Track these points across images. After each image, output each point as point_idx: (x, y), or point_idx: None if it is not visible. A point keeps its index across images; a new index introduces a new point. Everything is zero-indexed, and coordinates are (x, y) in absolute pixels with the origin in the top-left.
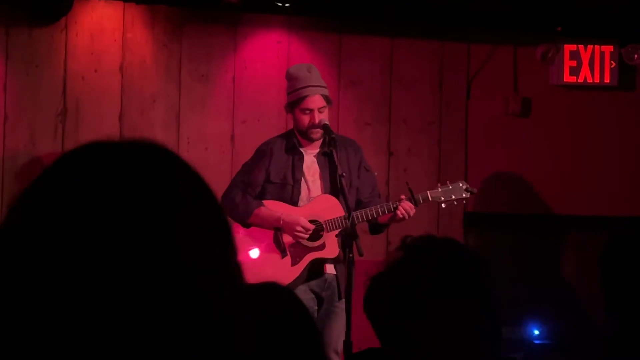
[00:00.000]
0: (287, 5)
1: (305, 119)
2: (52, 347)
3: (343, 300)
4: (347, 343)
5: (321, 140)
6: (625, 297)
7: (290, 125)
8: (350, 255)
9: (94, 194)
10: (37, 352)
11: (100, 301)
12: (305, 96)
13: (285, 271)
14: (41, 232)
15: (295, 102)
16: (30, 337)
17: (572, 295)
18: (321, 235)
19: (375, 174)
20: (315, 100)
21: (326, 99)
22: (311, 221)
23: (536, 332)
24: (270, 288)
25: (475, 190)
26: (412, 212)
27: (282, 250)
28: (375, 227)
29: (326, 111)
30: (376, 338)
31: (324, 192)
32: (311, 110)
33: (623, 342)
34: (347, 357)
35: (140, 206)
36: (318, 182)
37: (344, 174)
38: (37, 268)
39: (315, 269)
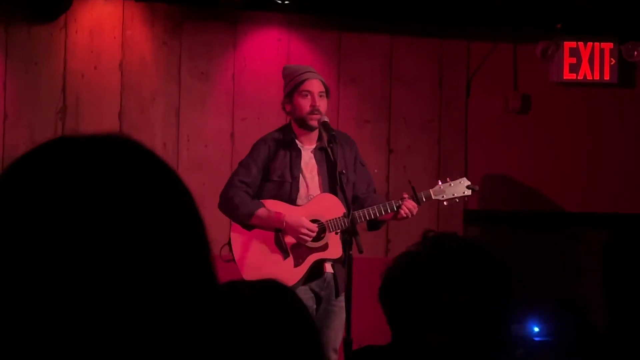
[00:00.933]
0: (286, 2)
1: (306, 103)
2: (25, 348)
3: (341, 298)
4: (347, 340)
5: (318, 134)
6: (626, 294)
7: None
8: (350, 252)
9: (56, 188)
10: (16, 354)
11: (63, 300)
12: (305, 79)
13: (288, 273)
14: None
15: (294, 88)
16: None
17: (572, 292)
18: (323, 236)
19: (375, 171)
20: (315, 84)
21: (325, 87)
22: (312, 221)
23: (536, 329)
24: (269, 285)
25: (477, 188)
26: (415, 211)
27: (284, 252)
28: (374, 224)
29: (325, 101)
30: (376, 335)
31: (323, 188)
32: (311, 93)
33: (623, 339)
34: (347, 355)
35: (105, 200)
36: (316, 178)
37: (344, 171)
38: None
39: (316, 270)
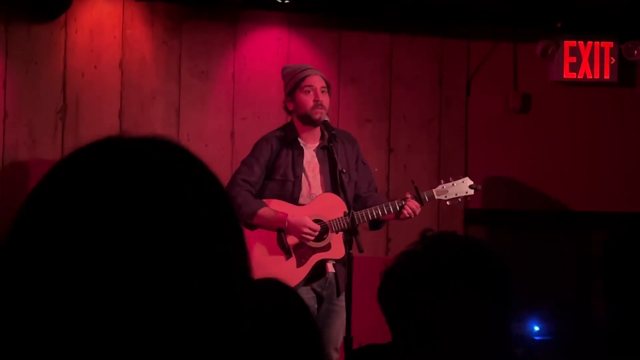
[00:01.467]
0: (286, 2)
1: (309, 99)
2: (61, 343)
3: (342, 297)
4: (348, 339)
5: (320, 132)
6: (626, 293)
7: None
8: (350, 251)
9: (106, 191)
10: (47, 349)
11: (115, 298)
12: (306, 76)
13: (291, 273)
14: (57, 231)
15: (296, 85)
16: (45, 334)
17: (572, 292)
18: (326, 236)
19: (376, 170)
20: (316, 80)
21: (326, 83)
22: (315, 221)
23: (536, 328)
24: (271, 284)
25: (479, 187)
26: (417, 211)
27: (286, 252)
28: (375, 223)
29: (327, 96)
30: (376, 334)
31: (324, 187)
32: (314, 88)
33: (623, 338)
34: (347, 353)
35: (155, 203)
36: (318, 177)
37: (344, 170)
38: (57, 265)
39: (318, 270)
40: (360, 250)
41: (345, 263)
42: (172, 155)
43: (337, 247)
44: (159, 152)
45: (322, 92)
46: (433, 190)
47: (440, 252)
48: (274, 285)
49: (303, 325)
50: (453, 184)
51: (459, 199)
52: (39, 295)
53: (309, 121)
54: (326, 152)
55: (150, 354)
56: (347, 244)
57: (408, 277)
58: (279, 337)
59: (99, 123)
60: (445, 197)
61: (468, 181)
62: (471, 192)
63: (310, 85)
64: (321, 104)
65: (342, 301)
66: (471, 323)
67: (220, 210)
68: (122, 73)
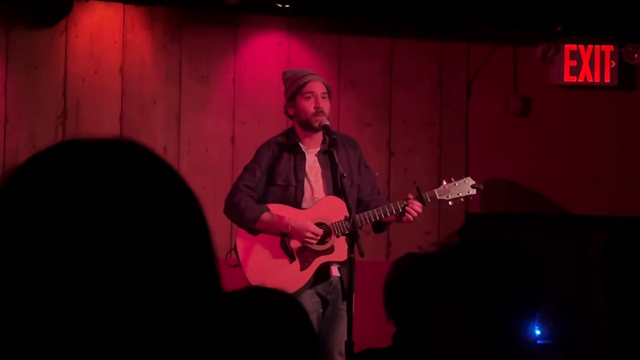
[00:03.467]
0: (287, 6)
1: (310, 105)
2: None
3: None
4: (349, 343)
5: (322, 137)
6: (626, 295)
7: None
8: (352, 255)
9: (68, 193)
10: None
11: (72, 301)
12: (307, 82)
13: (294, 276)
14: (9, 236)
15: (296, 91)
16: (16, 340)
17: (573, 295)
18: (329, 239)
19: (376, 174)
20: (317, 86)
21: (327, 88)
22: (318, 224)
23: (537, 331)
24: (270, 292)
25: (481, 187)
26: (420, 211)
27: (290, 256)
28: (379, 226)
29: (328, 102)
30: (377, 338)
31: (327, 191)
32: (314, 94)
33: (623, 340)
34: (349, 357)
35: (110, 203)
36: (320, 181)
37: (345, 174)
38: (9, 267)
39: (322, 273)
40: (362, 255)
41: (347, 267)
42: (134, 156)
43: (340, 250)
44: (119, 153)
45: (323, 98)
46: (435, 190)
47: (446, 255)
48: (274, 293)
49: (302, 333)
50: (455, 184)
51: (461, 199)
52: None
53: (310, 127)
54: (327, 157)
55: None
56: (349, 248)
57: (414, 280)
58: (278, 345)
59: (100, 127)
60: (448, 197)
61: (470, 181)
62: (473, 191)
63: (311, 92)
64: (322, 111)
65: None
66: (474, 325)
67: (183, 213)
68: (122, 78)
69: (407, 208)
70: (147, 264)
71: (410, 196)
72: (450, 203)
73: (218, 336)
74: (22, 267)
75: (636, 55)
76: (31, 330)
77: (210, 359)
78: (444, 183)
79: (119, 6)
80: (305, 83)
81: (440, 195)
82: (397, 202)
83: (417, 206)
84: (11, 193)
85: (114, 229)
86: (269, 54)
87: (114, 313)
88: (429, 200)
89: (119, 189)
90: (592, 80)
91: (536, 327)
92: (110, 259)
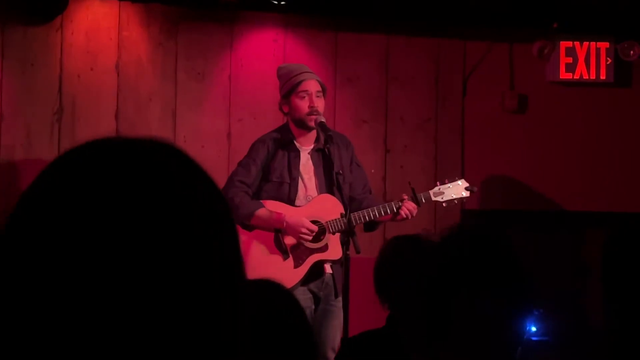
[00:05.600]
0: (282, 3)
1: (304, 104)
2: (55, 346)
3: (339, 298)
4: (345, 340)
5: (315, 135)
6: (625, 293)
7: None
8: (347, 252)
9: (100, 192)
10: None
11: (108, 301)
12: (302, 80)
13: (288, 274)
14: (49, 233)
15: (291, 89)
16: (37, 337)
17: (570, 292)
18: (323, 237)
19: (372, 171)
20: (312, 84)
21: (322, 86)
22: (312, 222)
23: (533, 329)
24: (266, 285)
25: (475, 189)
26: (414, 212)
27: (283, 252)
28: (371, 225)
29: (323, 100)
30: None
31: (319, 189)
32: (309, 93)
33: (622, 338)
34: (343, 342)
35: (148, 205)
36: (313, 179)
37: (341, 172)
38: (46, 267)
39: (315, 270)
40: (357, 251)
41: (343, 264)
42: (168, 155)
43: (334, 248)
44: (154, 152)
45: (318, 96)
46: (430, 192)
47: (461, 247)
48: (269, 285)
49: (297, 326)
50: (449, 186)
51: (455, 201)
52: (31, 297)
53: (303, 126)
54: (320, 155)
55: (145, 355)
56: (344, 245)
57: (423, 270)
58: (273, 337)
59: (96, 125)
60: (442, 198)
61: (464, 183)
62: (467, 194)
63: (305, 91)
64: (316, 110)
65: (339, 302)
66: (479, 321)
67: (215, 212)
68: (118, 75)
69: (401, 208)
70: (174, 259)
71: (405, 197)
72: (444, 205)
73: (238, 333)
74: (57, 266)
75: (632, 52)
76: (62, 325)
77: (212, 352)
78: (438, 184)
79: (115, 3)
80: (300, 82)
81: (434, 197)
82: (392, 203)
83: (411, 207)
84: (42, 192)
85: (146, 229)
86: (265, 51)
87: (149, 307)
88: (424, 201)
89: (149, 188)
90: (588, 77)
91: (532, 324)
92: (145, 257)
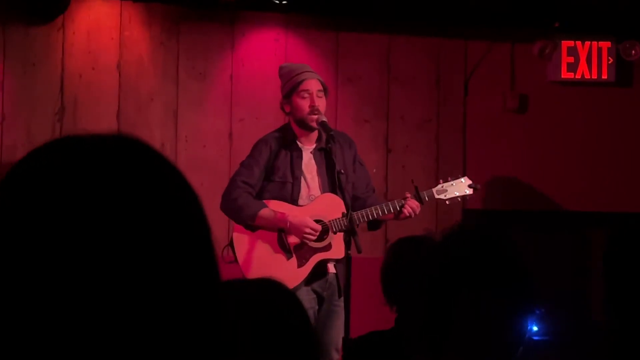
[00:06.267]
0: (284, 2)
1: (305, 104)
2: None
3: (343, 298)
4: (346, 340)
5: (317, 134)
6: (627, 292)
7: None
8: (349, 252)
9: (63, 190)
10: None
11: (76, 301)
12: (303, 80)
13: (292, 273)
14: (10, 233)
15: (292, 89)
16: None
17: (571, 291)
18: (326, 236)
19: (374, 170)
20: (313, 84)
21: (323, 86)
22: (316, 221)
23: (534, 328)
24: (267, 284)
25: (478, 186)
26: (417, 211)
27: (287, 252)
28: (374, 224)
29: (324, 100)
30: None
31: (322, 189)
32: (310, 93)
33: (623, 337)
34: (347, 344)
35: (109, 200)
36: (316, 179)
37: (342, 171)
38: (7, 267)
39: (319, 270)
40: (359, 251)
41: (344, 263)
42: (132, 151)
43: (337, 247)
44: (117, 148)
45: (319, 96)
46: (433, 189)
47: (462, 247)
48: (271, 285)
49: (299, 326)
50: (452, 184)
51: (459, 199)
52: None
53: (305, 126)
54: (323, 154)
55: (117, 353)
56: (346, 244)
57: (425, 269)
58: (274, 338)
59: (97, 124)
60: (445, 196)
61: (467, 180)
62: (470, 191)
63: (306, 90)
64: (317, 110)
65: (342, 301)
66: (480, 321)
67: (183, 208)
68: (119, 74)
69: (405, 207)
70: (147, 260)
71: (408, 195)
72: (447, 202)
73: (217, 330)
74: (20, 265)
75: (633, 51)
76: (25, 329)
77: (209, 351)
78: (441, 182)
79: (116, 3)
80: (301, 81)
81: (437, 195)
82: (395, 201)
83: (414, 205)
84: (8, 190)
85: (113, 225)
86: (266, 50)
87: (112, 309)
88: (427, 199)
89: (117, 184)
90: (589, 77)
91: (533, 324)
92: (109, 255)
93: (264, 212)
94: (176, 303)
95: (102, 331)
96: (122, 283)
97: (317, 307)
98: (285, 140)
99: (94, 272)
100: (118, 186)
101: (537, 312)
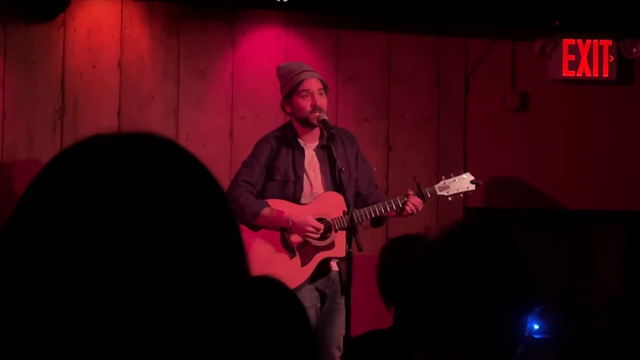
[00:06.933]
0: (284, 1)
1: (306, 103)
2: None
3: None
4: (347, 337)
5: (319, 132)
6: (625, 291)
7: None
8: (350, 250)
9: (99, 189)
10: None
11: (112, 300)
12: (302, 80)
13: (295, 272)
14: (50, 233)
15: (292, 89)
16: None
17: (572, 289)
18: (329, 235)
19: (375, 168)
20: (313, 83)
21: (323, 84)
22: (318, 219)
23: (535, 326)
24: (267, 282)
25: (480, 182)
26: (420, 207)
27: (290, 251)
28: (377, 220)
29: (325, 97)
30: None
31: (326, 187)
32: (310, 92)
33: (622, 336)
34: (346, 342)
35: (147, 200)
36: (319, 177)
37: (343, 169)
38: (48, 267)
39: (322, 268)
40: (360, 249)
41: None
42: (168, 151)
43: (340, 245)
44: (154, 148)
45: (320, 94)
46: (435, 186)
47: (461, 246)
48: (271, 283)
49: (298, 325)
50: (454, 180)
51: (461, 195)
52: (31, 296)
53: (307, 124)
54: (326, 152)
55: (149, 354)
56: (347, 242)
57: (425, 268)
58: (273, 337)
59: (98, 123)
60: (447, 192)
61: (469, 176)
62: (473, 187)
63: (306, 90)
64: (319, 108)
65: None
66: (480, 321)
67: (217, 209)
68: (120, 73)
69: (407, 204)
70: (177, 256)
71: (410, 192)
72: (449, 199)
73: (245, 330)
74: (52, 264)
75: (634, 49)
76: (62, 323)
77: (210, 351)
78: (443, 178)
79: (117, 1)
80: (301, 81)
81: (440, 191)
82: (397, 198)
83: (417, 202)
84: (41, 191)
85: (146, 225)
86: (267, 49)
87: (141, 302)
88: (429, 196)
89: (147, 183)
90: (590, 75)
91: (534, 322)
92: (140, 252)
93: (265, 211)
94: (203, 296)
95: (134, 329)
96: (156, 282)
97: (319, 305)
98: (287, 139)
99: (126, 270)
100: (149, 185)
101: (538, 309)
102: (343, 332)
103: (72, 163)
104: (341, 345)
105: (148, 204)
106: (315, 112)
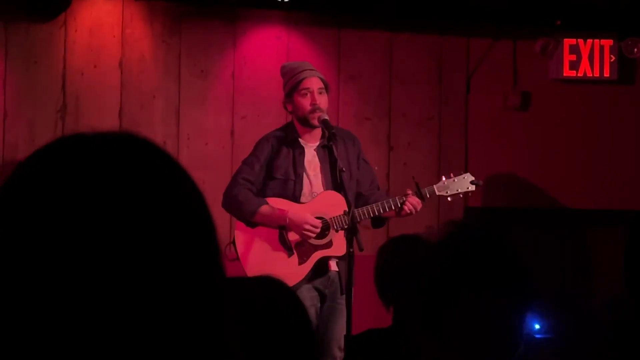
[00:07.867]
0: (285, 0)
1: (306, 102)
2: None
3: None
4: (348, 337)
5: (321, 131)
6: (626, 291)
7: None
8: (351, 250)
9: (68, 188)
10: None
11: (80, 299)
12: (303, 78)
13: (292, 270)
14: (20, 231)
15: (293, 87)
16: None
17: (573, 289)
18: (327, 233)
19: (376, 168)
20: (314, 82)
21: (324, 83)
22: (317, 218)
23: (536, 326)
24: (267, 282)
25: (480, 182)
26: (419, 207)
27: (288, 249)
28: (378, 221)
29: (325, 97)
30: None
31: (326, 186)
32: (311, 91)
33: (623, 336)
34: (348, 341)
35: (118, 199)
36: (319, 176)
37: (344, 169)
38: (17, 266)
39: (320, 267)
40: (361, 249)
41: (347, 261)
42: (136, 149)
43: (338, 244)
44: (121, 146)
45: (320, 93)
46: (434, 186)
47: (461, 246)
48: (271, 283)
49: (298, 325)
50: (454, 180)
51: (461, 195)
52: (8, 297)
53: (307, 124)
54: (326, 151)
55: (123, 353)
56: (348, 242)
57: (426, 267)
58: (273, 337)
59: (99, 122)
60: (447, 193)
61: (469, 177)
62: (472, 187)
63: (307, 88)
64: (318, 107)
65: (345, 299)
66: (480, 321)
67: (192, 210)
68: (121, 72)
69: (405, 204)
70: (151, 259)
71: (409, 192)
72: (449, 199)
73: (218, 329)
74: (25, 264)
75: (635, 49)
76: (29, 329)
77: (209, 350)
78: (443, 179)
79: (118, 0)
80: (302, 80)
81: (439, 191)
82: (396, 198)
83: (415, 202)
84: (14, 190)
85: (117, 223)
86: (268, 48)
87: (114, 308)
88: (428, 196)
89: (121, 182)
90: (591, 75)
91: (535, 322)
92: (113, 253)
93: (263, 208)
94: (179, 302)
95: (103, 330)
96: (126, 282)
97: (319, 305)
98: (288, 138)
99: (98, 271)
100: (123, 185)
101: (539, 309)
102: (344, 332)
103: (43, 162)
104: (342, 345)
105: (119, 203)
106: (316, 112)
